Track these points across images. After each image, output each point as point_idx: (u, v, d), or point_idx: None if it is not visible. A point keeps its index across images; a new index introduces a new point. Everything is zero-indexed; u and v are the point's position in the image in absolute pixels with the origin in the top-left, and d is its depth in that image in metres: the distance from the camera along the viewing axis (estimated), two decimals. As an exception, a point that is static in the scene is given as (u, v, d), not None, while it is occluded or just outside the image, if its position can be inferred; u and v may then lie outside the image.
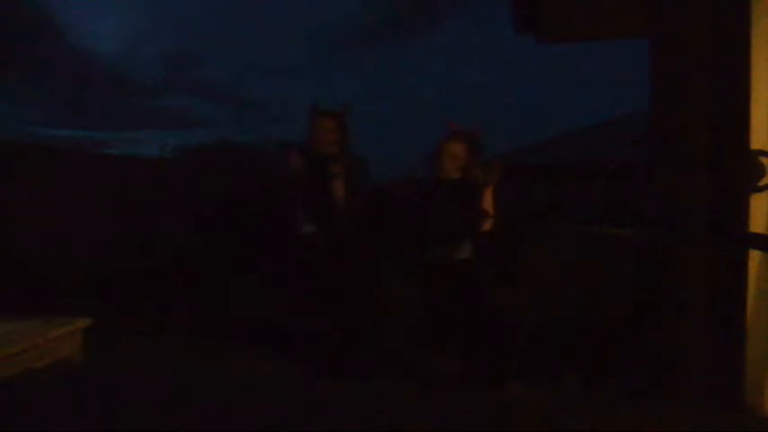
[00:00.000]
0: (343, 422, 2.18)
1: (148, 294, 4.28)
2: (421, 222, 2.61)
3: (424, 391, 2.50)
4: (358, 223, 2.85)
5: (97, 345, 2.85)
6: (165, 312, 3.98)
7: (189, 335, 3.51)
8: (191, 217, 5.49)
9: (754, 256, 2.17)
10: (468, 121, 2.70)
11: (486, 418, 2.22)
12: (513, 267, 3.68)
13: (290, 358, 2.96)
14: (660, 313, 2.35)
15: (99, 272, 4.51)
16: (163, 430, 2.09)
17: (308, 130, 2.90)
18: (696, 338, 2.25)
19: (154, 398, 2.38)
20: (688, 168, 2.26)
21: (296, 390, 2.54)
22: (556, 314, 3.29)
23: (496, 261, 2.96)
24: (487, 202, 2.52)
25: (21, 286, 3.90)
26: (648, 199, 2.42)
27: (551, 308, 3.34)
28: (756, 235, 2.16)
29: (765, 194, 2.17)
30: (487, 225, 2.51)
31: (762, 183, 2.16)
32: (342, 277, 2.84)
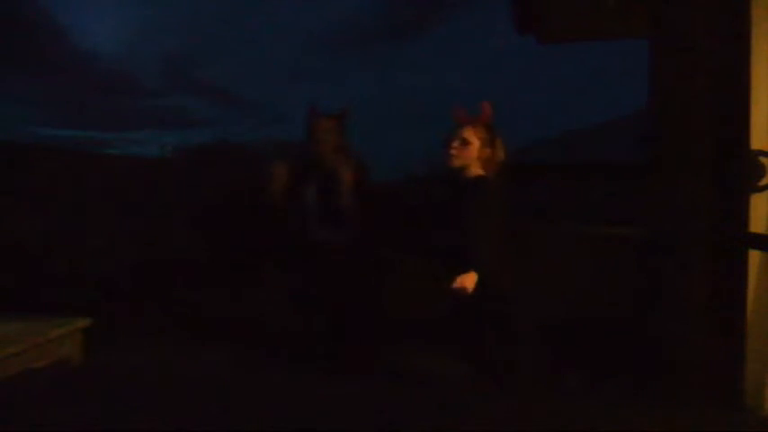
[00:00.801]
0: (344, 422, 2.18)
1: (148, 294, 4.28)
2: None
3: (424, 391, 2.50)
4: (364, 225, 2.83)
5: (97, 345, 2.85)
6: (165, 312, 3.98)
7: (189, 335, 3.51)
8: (191, 217, 5.49)
9: (754, 256, 2.17)
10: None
11: (486, 418, 2.22)
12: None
13: (291, 358, 2.96)
14: (660, 313, 2.35)
15: (99, 271, 4.51)
16: (163, 430, 2.09)
17: (308, 132, 2.89)
18: (696, 338, 2.25)
19: (154, 398, 2.38)
20: (688, 168, 2.26)
21: (296, 390, 2.55)
22: (556, 314, 3.29)
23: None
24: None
25: (21, 286, 3.90)
26: (648, 199, 2.42)
27: (551, 308, 3.34)
28: (756, 235, 2.16)
29: (765, 194, 2.17)
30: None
31: (762, 183, 2.16)
32: (350, 280, 2.84)
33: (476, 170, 2.35)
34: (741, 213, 2.16)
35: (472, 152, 2.34)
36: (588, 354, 2.81)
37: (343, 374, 2.66)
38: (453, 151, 2.33)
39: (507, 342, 2.39)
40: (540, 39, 3.44)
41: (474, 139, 2.33)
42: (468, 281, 2.18)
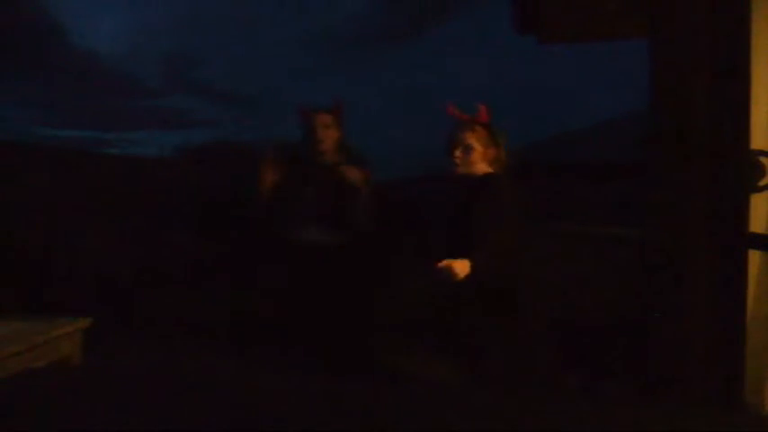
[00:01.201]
0: (342, 422, 2.18)
1: (148, 294, 4.27)
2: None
3: (421, 390, 2.50)
4: (366, 225, 2.81)
5: (97, 345, 2.85)
6: (165, 312, 3.97)
7: (188, 335, 3.51)
8: (190, 217, 5.49)
9: (754, 256, 2.18)
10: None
11: (486, 418, 2.22)
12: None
13: (290, 359, 2.96)
14: (660, 313, 2.35)
15: (99, 271, 4.51)
16: (163, 430, 2.09)
17: (307, 130, 2.88)
18: (696, 338, 2.25)
19: (153, 398, 2.38)
20: (688, 169, 2.26)
21: (295, 390, 2.55)
22: (556, 315, 3.29)
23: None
24: None
25: (21, 286, 3.90)
26: (648, 199, 2.42)
27: (551, 308, 3.34)
28: (756, 235, 2.17)
29: (765, 194, 2.17)
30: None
31: (762, 183, 2.16)
32: (347, 281, 2.83)
33: (483, 168, 2.39)
34: (741, 213, 2.16)
35: (476, 157, 2.38)
36: (588, 354, 2.81)
37: (341, 374, 2.66)
38: (457, 160, 2.38)
39: (508, 342, 2.40)
40: (541, 39, 3.44)
41: (476, 144, 2.38)
42: (458, 265, 2.09)
